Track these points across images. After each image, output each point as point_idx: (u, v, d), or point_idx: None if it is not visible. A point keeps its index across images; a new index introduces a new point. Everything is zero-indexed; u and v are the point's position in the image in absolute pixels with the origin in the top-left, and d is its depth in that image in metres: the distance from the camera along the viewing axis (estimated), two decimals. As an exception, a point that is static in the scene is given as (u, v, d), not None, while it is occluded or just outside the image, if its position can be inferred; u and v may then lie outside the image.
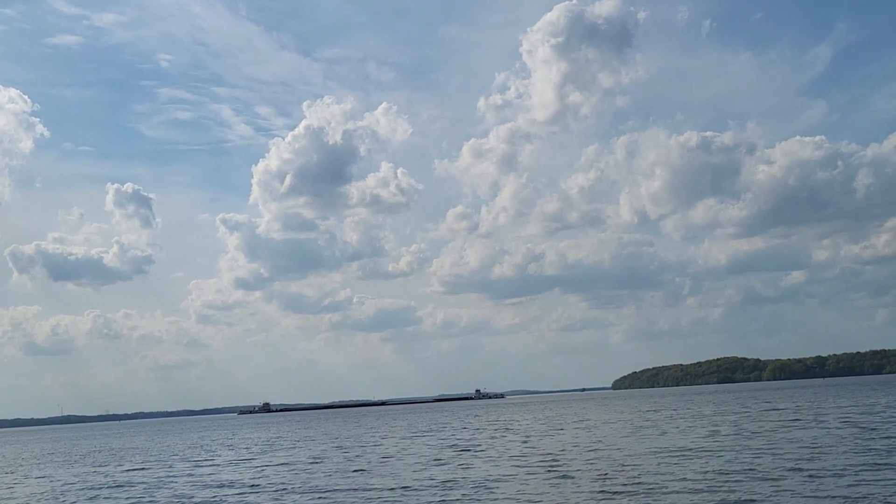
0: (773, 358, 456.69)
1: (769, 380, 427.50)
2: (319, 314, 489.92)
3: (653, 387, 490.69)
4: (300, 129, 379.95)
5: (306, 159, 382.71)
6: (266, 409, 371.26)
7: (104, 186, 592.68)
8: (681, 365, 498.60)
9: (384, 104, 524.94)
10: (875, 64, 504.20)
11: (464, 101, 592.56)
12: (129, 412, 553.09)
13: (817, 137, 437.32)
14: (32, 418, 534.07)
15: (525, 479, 30.24)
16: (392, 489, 30.00)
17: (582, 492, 26.26)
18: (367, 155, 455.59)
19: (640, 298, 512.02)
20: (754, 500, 22.52)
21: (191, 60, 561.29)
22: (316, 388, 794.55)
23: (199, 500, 30.88)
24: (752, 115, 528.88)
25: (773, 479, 25.91)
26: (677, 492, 24.71)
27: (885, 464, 27.97)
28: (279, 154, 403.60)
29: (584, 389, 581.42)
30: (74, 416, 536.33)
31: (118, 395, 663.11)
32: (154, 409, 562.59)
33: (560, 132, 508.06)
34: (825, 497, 22.46)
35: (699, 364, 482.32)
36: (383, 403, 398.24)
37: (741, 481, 25.87)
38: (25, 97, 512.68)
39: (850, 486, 23.91)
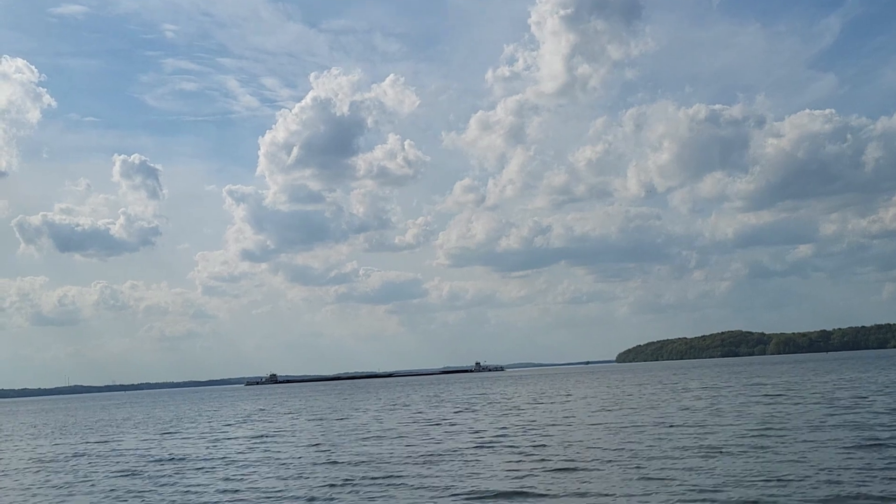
0: (779, 332, 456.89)
1: (774, 354, 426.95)
2: (325, 286, 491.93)
3: (657, 360, 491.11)
4: (307, 100, 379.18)
5: (313, 131, 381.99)
6: (273, 380, 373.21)
7: (110, 157, 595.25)
8: (685, 338, 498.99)
9: (391, 76, 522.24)
10: (885, 36, 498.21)
11: (471, 72, 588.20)
12: (136, 383, 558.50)
13: (827, 110, 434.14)
14: (39, 388, 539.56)
15: (464, 454, 29.32)
16: (327, 462, 29.14)
17: (510, 468, 25.31)
18: (375, 127, 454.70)
19: (647, 272, 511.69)
20: (665, 479, 21.47)
21: (196, 31, 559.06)
22: (322, 360, 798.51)
23: (131, 472, 30.16)
24: (761, 87, 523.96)
25: (695, 457, 24.87)
26: (596, 469, 23.71)
27: (818, 443, 26.88)
28: (286, 125, 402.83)
29: (588, 363, 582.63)
30: (81, 386, 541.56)
31: (124, 365, 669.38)
32: (160, 380, 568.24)
33: (568, 104, 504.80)
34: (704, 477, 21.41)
35: (704, 338, 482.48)
36: (390, 375, 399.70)
37: (656, 458, 24.84)
38: (32, 67, 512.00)
39: (744, 464, 22.89)
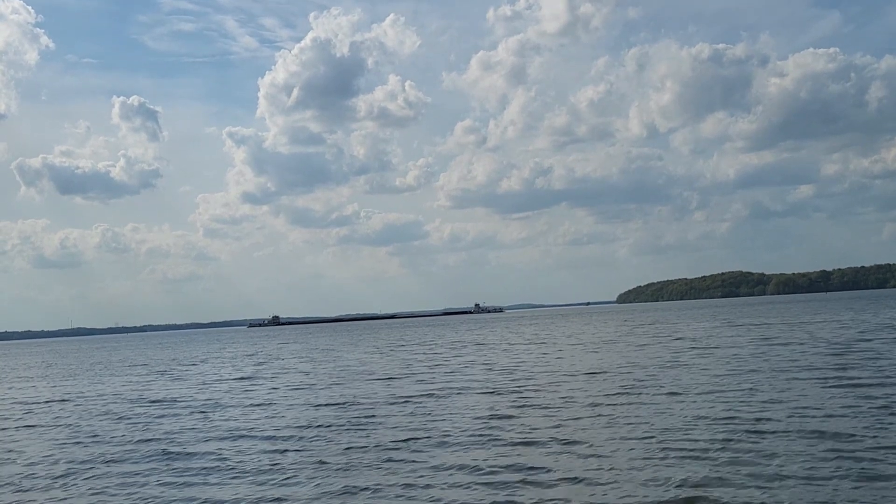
0: (779, 272, 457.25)
1: (773, 294, 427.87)
2: (327, 228, 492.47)
3: (657, 301, 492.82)
4: (307, 41, 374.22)
5: (313, 72, 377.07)
6: (275, 322, 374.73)
7: (109, 99, 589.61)
8: (686, 279, 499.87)
9: (391, 15, 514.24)
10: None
11: (472, 11, 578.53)
12: (139, 325, 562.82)
13: (831, 49, 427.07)
14: (43, 330, 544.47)
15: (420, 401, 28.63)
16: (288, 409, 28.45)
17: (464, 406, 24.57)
18: (375, 68, 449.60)
19: (648, 213, 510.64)
20: (618, 422, 20.68)
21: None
22: (323, 302, 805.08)
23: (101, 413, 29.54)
24: (765, 25, 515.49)
25: (646, 402, 24.11)
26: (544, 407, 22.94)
27: (754, 387, 26.05)
28: (286, 67, 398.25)
29: (588, 303, 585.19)
30: (84, 328, 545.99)
31: (127, 308, 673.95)
32: (163, 322, 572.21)
33: (570, 44, 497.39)
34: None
35: (704, 278, 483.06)
36: (392, 317, 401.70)
37: (608, 405, 24.08)
38: (29, 7, 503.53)
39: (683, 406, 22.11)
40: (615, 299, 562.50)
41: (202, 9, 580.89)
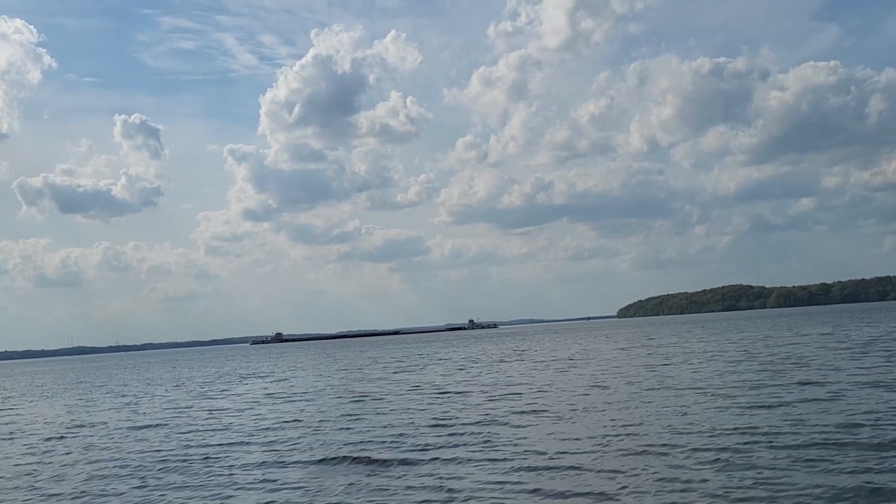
0: (779, 285, 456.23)
1: (774, 307, 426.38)
2: (328, 245, 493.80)
3: (658, 315, 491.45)
4: (308, 57, 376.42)
5: (315, 88, 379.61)
6: (278, 338, 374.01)
7: (111, 118, 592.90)
8: (686, 293, 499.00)
9: (392, 32, 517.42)
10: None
11: (473, 27, 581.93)
12: (139, 343, 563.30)
13: (831, 62, 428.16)
14: (43, 350, 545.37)
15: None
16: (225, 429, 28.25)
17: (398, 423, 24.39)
18: (376, 84, 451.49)
19: (649, 227, 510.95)
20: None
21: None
22: (325, 319, 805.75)
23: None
24: (765, 39, 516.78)
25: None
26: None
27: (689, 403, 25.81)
28: (287, 83, 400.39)
29: (588, 318, 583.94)
30: (85, 347, 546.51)
31: (128, 326, 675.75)
32: (164, 340, 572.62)
33: (571, 59, 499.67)
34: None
35: (704, 292, 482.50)
36: (396, 333, 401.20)
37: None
38: (31, 27, 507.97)
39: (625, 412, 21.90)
40: (616, 314, 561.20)
41: (202, 27, 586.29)
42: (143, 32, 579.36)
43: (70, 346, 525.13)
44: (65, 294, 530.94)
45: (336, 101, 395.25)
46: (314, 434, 26.22)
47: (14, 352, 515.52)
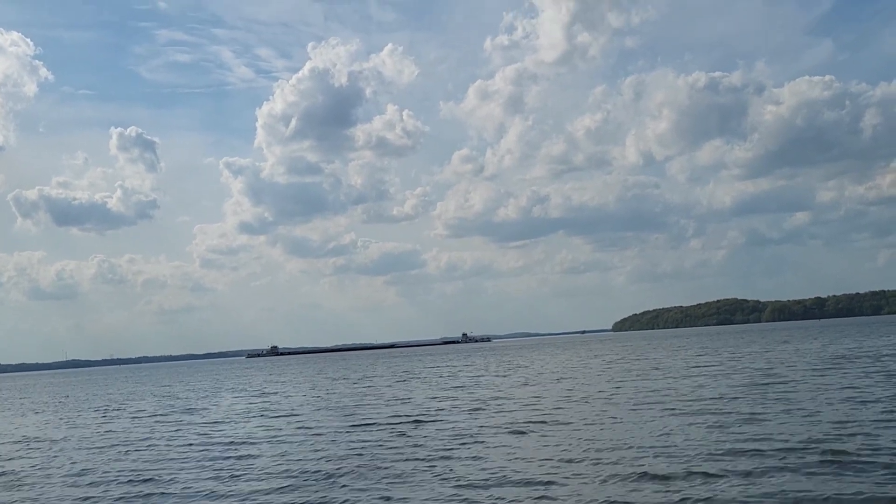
0: (774, 299, 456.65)
1: (768, 321, 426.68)
2: (324, 258, 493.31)
3: (653, 328, 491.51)
4: (305, 71, 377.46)
5: (311, 102, 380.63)
6: (274, 352, 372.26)
7: (107, 130, 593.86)
8: (681, 307, 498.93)
9: (389, 45, 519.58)
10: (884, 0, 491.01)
11: (469, 41, 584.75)
12: (134, 356, 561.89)
13: (826, 77, 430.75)
14: (37, 363, 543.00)
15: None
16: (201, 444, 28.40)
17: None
18: (373, 97, 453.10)
19: (644, 240, 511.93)
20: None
21: (189, 1, 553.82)
22: (321, 332, 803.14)
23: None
24: (760, 53, 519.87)
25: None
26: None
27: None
28: (283, 97, 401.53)
29: (584, 332, 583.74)
30: (79, 360, 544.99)
31: (123, 339, 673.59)
32: (159, 354, 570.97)
33: (567, 73, 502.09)
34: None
35: (699, 306, 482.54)
36: (392, 346, 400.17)
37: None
38: (28, 40, 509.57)
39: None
40: (611, 327, 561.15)
41: (198, 40, 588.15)
42: (139, 45, 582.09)
43: (65, 360, 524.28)
44: (60, 307, 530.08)
45: (332, 115, 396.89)
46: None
47: (8, 365, 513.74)
